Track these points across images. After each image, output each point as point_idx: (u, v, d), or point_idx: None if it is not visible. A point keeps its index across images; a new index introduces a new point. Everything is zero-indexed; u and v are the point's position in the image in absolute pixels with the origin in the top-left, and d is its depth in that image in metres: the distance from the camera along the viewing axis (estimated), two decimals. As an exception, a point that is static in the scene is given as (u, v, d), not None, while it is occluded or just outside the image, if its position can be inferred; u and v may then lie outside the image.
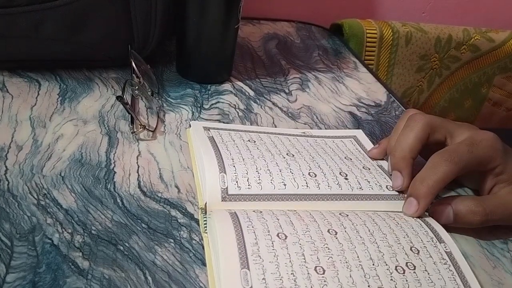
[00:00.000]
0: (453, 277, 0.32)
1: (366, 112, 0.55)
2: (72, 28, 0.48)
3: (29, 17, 0.46)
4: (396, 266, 0.32)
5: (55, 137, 0.42)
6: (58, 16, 0.46)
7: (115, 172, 0.39)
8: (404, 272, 0.31)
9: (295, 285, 0.29)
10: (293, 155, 0.41)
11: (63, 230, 0.32)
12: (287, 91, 0.57)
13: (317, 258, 0.31)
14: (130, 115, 0.45)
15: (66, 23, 0.47)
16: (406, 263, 0.32)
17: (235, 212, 0.33)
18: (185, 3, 0.50)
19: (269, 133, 0.45)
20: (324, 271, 0.30)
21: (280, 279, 0.29)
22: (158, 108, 0.48)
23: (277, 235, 0.32)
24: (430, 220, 0.37)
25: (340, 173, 0.40)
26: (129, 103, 0.47)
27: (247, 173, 0.37)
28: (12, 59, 0.50)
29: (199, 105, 0.51)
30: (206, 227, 0.34)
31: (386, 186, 0.40)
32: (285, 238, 0.32)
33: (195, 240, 0.34)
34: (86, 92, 0.49)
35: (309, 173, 0.39)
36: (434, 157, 0.38)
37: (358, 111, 0.55)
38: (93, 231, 0.33)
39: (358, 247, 0.32)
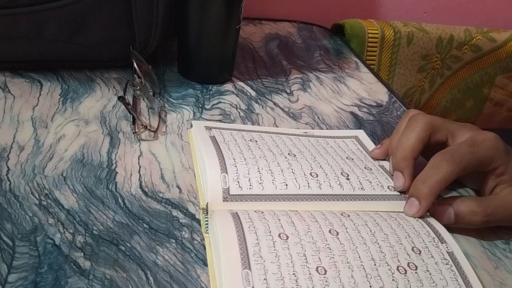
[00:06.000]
0: (455, 277, 0.32)
1: (367, 112, 0.55)
2: (73, 29, 0.48)
3: (31, 17, 0.46)
4: (397, 266, 0.32)
5: (57, 137, 0.42)
6: (60, 17, 0.47)
7: (116, 173, 0.39)
8: (406, 272, 0.31)
9: (297, 285, 0.29)
10: (295, 155, 0.41)
11: (65, 230, 0.33)
12: (288, 91, 0.57)
13: (319, 258, 0.31)
14: (131, 116, 0.45)
15: (67, 24, 0.47)
16: (408, 263, 0.32)
17: (236, 213, 0.33)
18: (186, 4, 0.50)
19: (271, 133, 0.45)
20: (325, 271, 0.30)
21: (282, 280, 0.29)
22: (159, 109, 0.49)
23: (279, 236, 0.32)
24: (432, 221, 0.37)
25: (341, 173, 0.40)
26: (131, 103, 0.47)
27: (248, 173, 0.37)
28: (14, 59, 0.50)
29: (200, 105, 0.51)
30: (207, 227, 0.34)
31: (388, 186, 0.40)
32: (287, 239, 0.32)
33: (197, 240, 0.34)
34: (88, 93, 0.49)
35: (310, 173, 0.39)
36: (436, 157, 0.38)
37: (359, 111, 0.55)
38: (94, 231, 0.33)
39: (360, 247, 0.32)
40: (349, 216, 0.35)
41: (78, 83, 0.51)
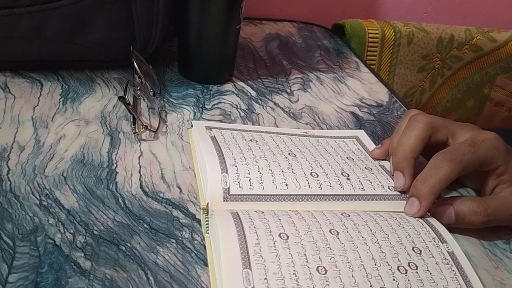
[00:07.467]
0: (456, 277, 0.32)
1: (368, 112, 0.55)
2: (74, 29, 0.48)
3: (32, 18, 0.46)
4: (398, 266, 0.32)
5: (57, 137, 0.42)
6: (60, 17, 0.47)
7: (117, 173, 0.39)
8: (406, 272, 0.31)
9: (297, 285, 0.29)
10: (295, 155, 0.41)
11: (65, 230, 0.33)
12: (288, 91, 0.57)
13: (319, 258, 0.31)
14: (132, 116, 0.45)
15: (68, 24, 0.47)
16: (408, 263, 0.32)
17: (237, 213, 0.33)
18: (186, 4, 0.50)
19: (271, 133, 0.45)
20: (326, 271, 0.30)
21: (282, 279, 0.29)
22: (160, 109, 0.49)
23: (279, 235, 0.32)
24: (432, 220, 0.37)
25: (342, 173, 0.40)
26: (131, 103, 0.47)
27: (249, 173, 0.37)
28: (15, 59, 0.50)
29: (201, 106, 0.51)
30: (208, 227, 0.34)
31: (388, 186, 0.40)
32: (287, 238, 0.32)
33: (197, 240, 0.34)
34: (88, 93, 0.49)
35: (311, 173, 0.39)
36: (436, 157, 0.38)
37: (360, 111, 0.55)
38: (95, 231, 0.33)
39: (360, 247, 0.32)
40: (349, 216, 0.35)
41: (79, 83, 0.51)
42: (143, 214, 0.35)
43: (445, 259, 0.33)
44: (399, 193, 0.39)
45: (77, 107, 0.47)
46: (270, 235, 0.32)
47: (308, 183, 0.38)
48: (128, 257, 0.31)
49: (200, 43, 0.52)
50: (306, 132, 0.48)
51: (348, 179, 0.39)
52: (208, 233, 0.34)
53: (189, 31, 0.52)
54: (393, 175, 0.40)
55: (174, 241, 0.33)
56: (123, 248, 0.32)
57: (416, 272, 0.32)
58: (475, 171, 0.38)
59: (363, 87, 0.62)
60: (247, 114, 0.51)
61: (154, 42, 0.52)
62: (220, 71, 0.56)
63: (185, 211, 0.36)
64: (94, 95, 0.49)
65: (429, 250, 0.34)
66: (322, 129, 0.50)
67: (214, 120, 0.48)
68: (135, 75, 0.51)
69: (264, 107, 0.53)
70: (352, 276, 0.30)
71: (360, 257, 0.31)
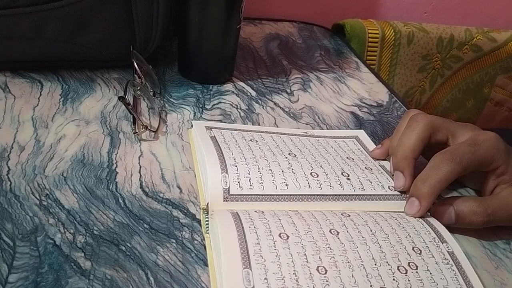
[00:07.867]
0: (456, 277, 0.32)
1: (368, 112, 0.55)
2: (74, 29, 0.48)
3: (31, 18, 0.46)
4: (398, 266, 0.32)
5: (57, 137, 0.42)
6: (60, 17, 0.47)
7: (117, 173, 0.39)
8: (406, 272, 0.31)
9: (297, 285, 0.29)
10: (295, 155, 0.41)
11: (65, 230, 0.33)
12: (289, 91, 0.57)
13: (319, 258, 0.31)
14: (132, 116, 0.45)
15: (68, 24, 0.47)
16: (408, 263, 0.32)
17: (237, 213, 0.33)
18: (186, 4, 0.50)
19: (271, 133, 0.45)
20: (326, 271, 0.30)
21: (282, 279, 0.29)
22: (160, 109, 0.49)
23: (279, 235, 0.32)
24: (432, 220, 0.37)
25: (342, 173, 0.40)
26: (131, 103, 0.47)
27: (249, 173, 0.37)
28: (15, 59, 0.50)
29: (201, 106, 0.51)
30: (208, 227, 0.34)
31: (388, 186, 0.40)
32: (287, 238, 0.32)
33: (197, 240, 0.34)
34: (88, 93, 0.49)
35: (311, 173, 0.39)
36: (436, 157, 0.38)
37: (360, 111, 0.55)
38: (95, 232, 0.33)
39: (360, 247, 0.32)
40: (349, 216, 0.35)
41: (79, 83, 0.51)
42: (143, 214, 0.35)
43: (445, 259, 0.33)
44: (399, 193, 0.39)
45: (77, 107, 0.47)
46: (270, 235, 0.32)
47: (308, 183, 0.38)
48: (128, 257, 0.31)
49: (200, 43, 0.52)
50: (306, 132, 0.48)
51: (348, 179, 0.39)
52: (208, 233, 0.34)
53: (189, 31, 0.52)
54: (393, 175, 0.40)
55: (174, 241, 0.33)
56: (123, 248, 0.32)
57: (416, 272, 0.32)
58: (475, 171, 0.38)
59: (363, 87, 0.62)
60: (247, 114, 0.51)
61: (154, 42, 0.52)
62: (220, 71, 0.56)
63: (185, 211, 0.36)
64: (94, 95, 0.49)
65: (429, 250, 0.34)
66: (322, 129, 0.50)
67: (214, 120, 0.48)
68: (135, 75, 0.51)
69: (264, 107, 0.53)
70: (352, 276, 0.30)
71: (360, 257, 0.31)
